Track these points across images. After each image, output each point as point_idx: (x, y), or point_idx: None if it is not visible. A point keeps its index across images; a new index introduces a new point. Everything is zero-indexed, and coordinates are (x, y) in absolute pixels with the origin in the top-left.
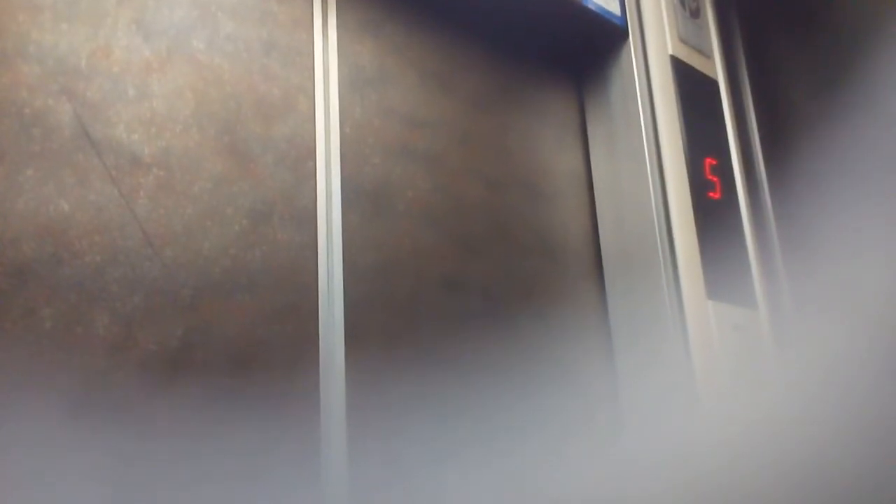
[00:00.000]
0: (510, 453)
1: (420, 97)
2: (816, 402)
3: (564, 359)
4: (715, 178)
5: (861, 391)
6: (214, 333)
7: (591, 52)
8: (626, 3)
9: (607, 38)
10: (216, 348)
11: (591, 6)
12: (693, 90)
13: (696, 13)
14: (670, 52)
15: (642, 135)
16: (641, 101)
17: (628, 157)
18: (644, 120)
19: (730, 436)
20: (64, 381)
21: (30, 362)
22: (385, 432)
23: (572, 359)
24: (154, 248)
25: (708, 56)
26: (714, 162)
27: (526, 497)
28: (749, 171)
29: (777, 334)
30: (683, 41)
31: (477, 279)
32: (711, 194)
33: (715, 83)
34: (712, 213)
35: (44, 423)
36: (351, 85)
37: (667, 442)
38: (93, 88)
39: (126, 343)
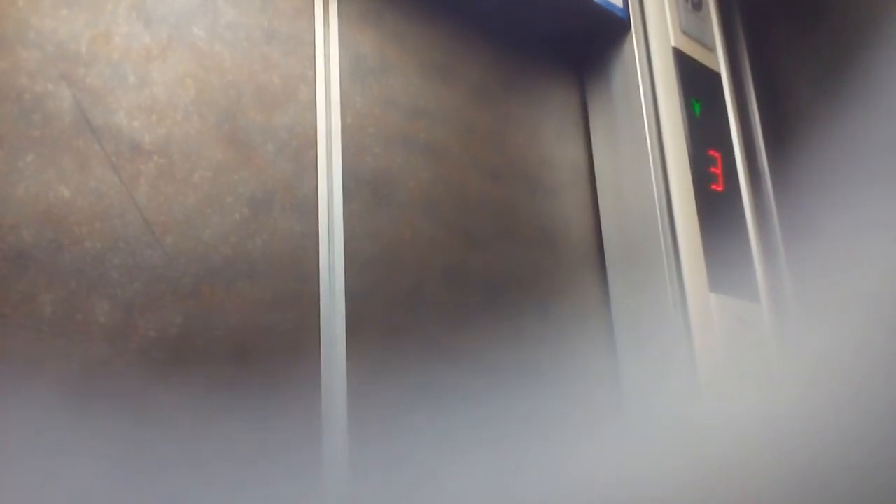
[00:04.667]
0: (511, 443)
1: (421, 87)
2: (818, 394)
3: (566, 350)
4: (717, 170)
5: (863, 383)
6: (215, 321)
7: (593, 44)
8: None
9: (609, 29)
10: (217, 336)
11: None
12: (695, 82)
13: (697, 5)
14: (672, 44)
15: (644, 127)
16: (644, 93)
17: (630, 149)
18: (646, 112)
19: (731, 427)
20: (63, 367)
21: (29, 349)
22: (386, 420)
23: (574, 350)
24: (155, 236)
25: (710, 48)
26: (716, 154)
27: (527, 490)
28: (751, 162)
29: (779, 326)
30: (685, 33)
31: (478, 270)
32: (714, 186)
33: (717, 75)
34: (715, 205)
35: (42, 409)
36: (352, 74)
37: (669, 434)
38: (93, 75)
39: (126, 330)
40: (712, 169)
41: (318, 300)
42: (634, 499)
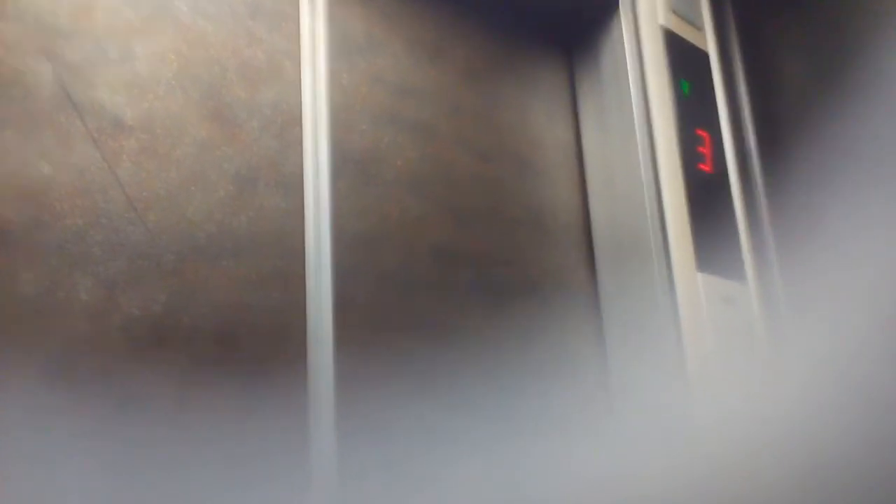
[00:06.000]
0: (499, 425)
1: (409, 66)
2: (806, 376)
3: (553, 330)
4: (705, 150)
5: (852, 366)
6: (199, 299)
7: (581, 23)
8: None
9: (598, 8)
10: (201, 314)
11: None
12: (684, 62)
13: None
14: (661, 23)
15: (633, 107)
16: (632, 73)
17: (619, 130)
18: (634, 91)
19: (718, 409)
20: (45, 345)
21: (10, 327)
22: (374, 399)
23: (561, 330)
24: (137, 213)
25: (699, 27)
26: (704, 134)
27: (514, 472)
28: (740, 143)
29: (766, 307)
30: (675, 12)
31: (466, 250)
32: (702, 166)
33: (706, 55)
34: (703, 185)
35: (24, 388)
36: (339, 51)
37: (654, 414)
38: (73, 49)
39: (108, 308)
40: (700, 149)
41: (305, 278)
42: (622, 480)
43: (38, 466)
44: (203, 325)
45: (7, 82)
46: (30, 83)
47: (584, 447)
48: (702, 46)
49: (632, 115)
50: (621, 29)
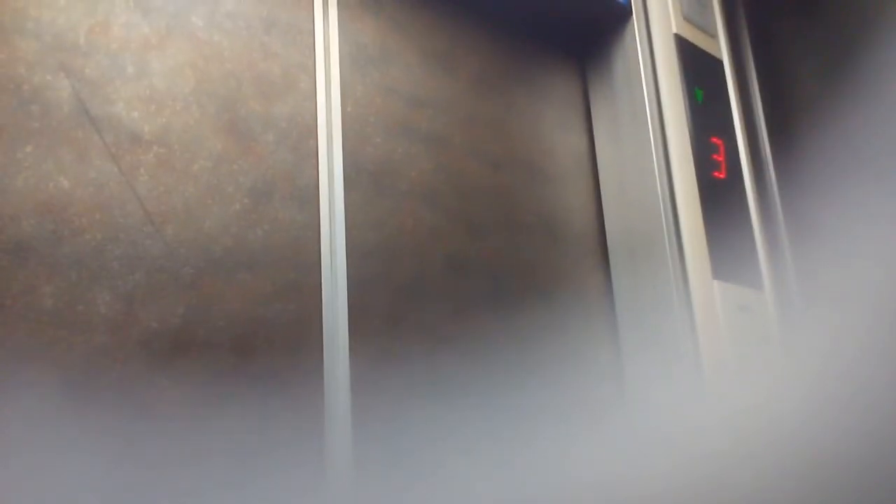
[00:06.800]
0: (514, 434)
1: (422, 76)
2: (821, 382)
3: (569, 338)
4: (720, 158)
5: (866, 372)
6: (216, 312)
7: (594, 32)
8: None
9: (611, 16)
10: (218, 327)
11: None
12: (698, 70)
13: None
14: (674, 30)
15: (646, 114)
16: (645, 81)
17: (633, 138)
18: (648, 100)
19: (734, 416)
20: (64, 358)
21: (30, 340)
22: (389, 409)
23: (577, 339)
24: (155, 226)
25: (712, 35)
26: (719, 142)
27: (530, 479)
28: (754, 151)
29: (782, 313)
30: (688, 20)
31: (480, 260)
32: (716, 174)
33: (720, 62)
34: (717, 192)
35: (43, 400)
36: (352, 63)
37: (671, 422)
38: (91, 65)
39: (127, 321)
40: (715, 156)
41: (320, 290)
42: (638, 483)
43: (58, 476)
44: (221, 337)
45: (27, 99)
46: (49, 99)
47: (600, 453)
48: (715, 54)
49: (646, 123)
50: (634, 37)
